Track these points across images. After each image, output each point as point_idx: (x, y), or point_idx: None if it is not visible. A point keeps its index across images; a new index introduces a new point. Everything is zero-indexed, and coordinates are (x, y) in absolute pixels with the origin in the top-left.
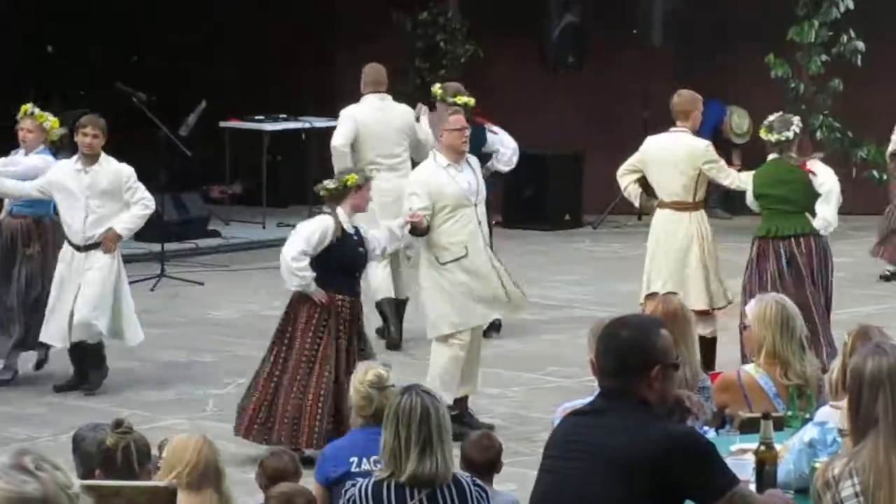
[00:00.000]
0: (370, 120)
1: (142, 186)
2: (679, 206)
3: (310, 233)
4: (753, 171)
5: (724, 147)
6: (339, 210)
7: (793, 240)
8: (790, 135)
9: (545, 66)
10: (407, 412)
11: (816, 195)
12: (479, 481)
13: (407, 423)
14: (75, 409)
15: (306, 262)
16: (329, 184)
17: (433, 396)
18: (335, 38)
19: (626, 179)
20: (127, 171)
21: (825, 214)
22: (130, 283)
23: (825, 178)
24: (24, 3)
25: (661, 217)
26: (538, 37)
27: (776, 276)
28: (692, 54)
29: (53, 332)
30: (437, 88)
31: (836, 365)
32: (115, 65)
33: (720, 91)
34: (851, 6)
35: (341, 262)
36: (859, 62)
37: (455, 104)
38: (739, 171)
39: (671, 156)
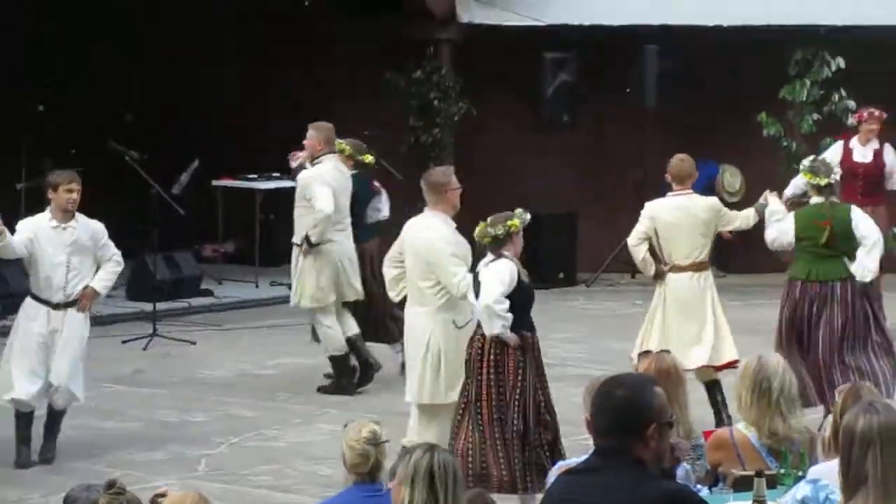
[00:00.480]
0: (336, 183)
1: (111, 243)
2: (698, 268)
3: (502, 275)
4: (792, 213)
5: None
6: (507, 253)
7: (831, 284)
8: (834, 178)
9: (539, 125)
10: (442, 469)
11: (856, 240)
12: None
13: (443, 480)
14: (66, 471)
15: (507, 304)
16: (495, 231)
17: (454, 455)
18: (329, 97)
19: (641, 249)
20: (101, 227)
21: (866, 263)
22: (123, 342)
23: (868, 231)
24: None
25: (679, 280)
26: (532, 95)
27: (806, 319)
28: (685, 114)
29: (34, 392)
30: (341, 144)
31: (827, 422)
32: (107, 122)
33: (712, 149)
34: (842, 65)
35: (523, 301)
36: (849, 121)
37: (362, 162)
38: (731, 234)
39: (691, 218)
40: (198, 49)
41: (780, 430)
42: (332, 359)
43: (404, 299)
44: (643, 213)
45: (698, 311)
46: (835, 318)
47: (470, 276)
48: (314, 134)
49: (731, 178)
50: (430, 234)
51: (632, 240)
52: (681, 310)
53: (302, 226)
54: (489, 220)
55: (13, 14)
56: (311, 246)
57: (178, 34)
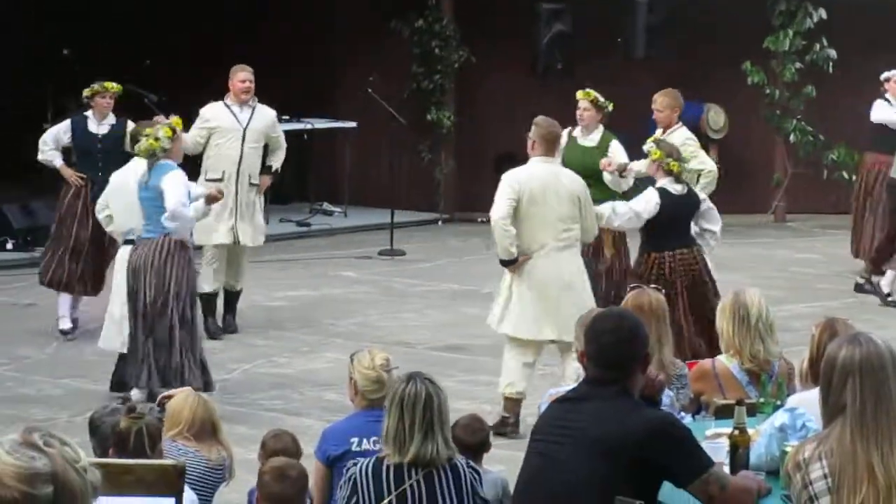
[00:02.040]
0: None
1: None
2: None
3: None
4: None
5: (702, 143)
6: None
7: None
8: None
9: (535, 72)
10: (412, 398)
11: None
12: (472, 463)
13: (412, 408)
14: (91, 393)
15: None
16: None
17: (435, 384)
18: (336, 45)
19: None
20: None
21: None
22: None
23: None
24: (24, 4)
25: None
26: (528, 44)
27: None
28: (673, 63)
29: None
30: None
31: (805, 355)
32: (126, 67)
33: (699, 97)
34: (825, 16)
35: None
36: (831, 69)
37: None
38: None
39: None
40: (203, 52)
41: (760, 353)
42: None
43: None
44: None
45: None
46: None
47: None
48: None
49: (716, 115)
50: (574, 178)
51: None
52: None
53: None
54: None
55: (13, 15)
56: None
57: (181, 36)
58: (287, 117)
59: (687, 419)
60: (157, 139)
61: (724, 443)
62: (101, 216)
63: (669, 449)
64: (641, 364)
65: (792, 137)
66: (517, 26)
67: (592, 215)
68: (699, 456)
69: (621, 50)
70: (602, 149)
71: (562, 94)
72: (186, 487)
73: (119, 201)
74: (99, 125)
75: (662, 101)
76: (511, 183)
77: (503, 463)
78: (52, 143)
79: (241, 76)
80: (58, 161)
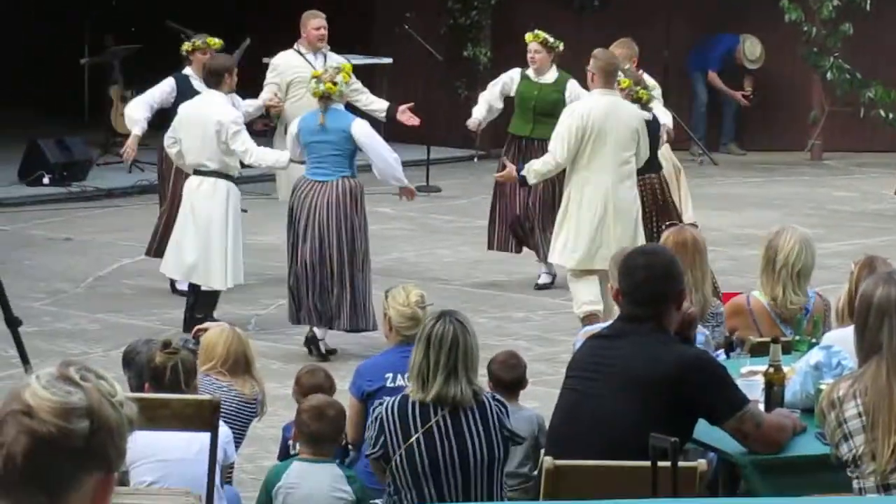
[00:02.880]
0: None
1: None
2: None
3: None
4: None
5: (738, 74)
6: None
7: None
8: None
9: (572, 7)
10: (438, 337)
11: None
12: (498, 396)
13: (438, 347)
14: (126, 327)
15: None
16: None
17: (464, 325)
18: None
19: None
20: None
21: None
22: None
23: None
24: None
25: None
26: None
27: None
28: (712, 0)
29: None
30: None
31: (842, 293)
32: (165, 2)
33: (737, 32)
34: None
35: None
36: (868, 6)
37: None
38: (748, 96)
39: None
40: None
41: (778, 297)
42: None
43: None
44: None
45: None
46: None
47: None
48: None
49: (752, 45)
50: (632, 108)
51: None
52: None
53: None
54: None
55: None
56: None
57: None
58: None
59: (721, 357)
60: (335, 83)
61: (759, 380)
62: (172, 151)
63: (704, 385)
64: (676, 301)
65: (829, 75)
66: None
67: (646, 145)
68: (734, 393)
69: None
70: (559, 85)
71: (599, 28)
72: (221, 422)
73: (189, 134)
74: (200, 82)
75: (620, 54)
76: (575, 120)
77: (539, 400)
78: (156, 106)
79: (315, 23)
80: (140, 128)
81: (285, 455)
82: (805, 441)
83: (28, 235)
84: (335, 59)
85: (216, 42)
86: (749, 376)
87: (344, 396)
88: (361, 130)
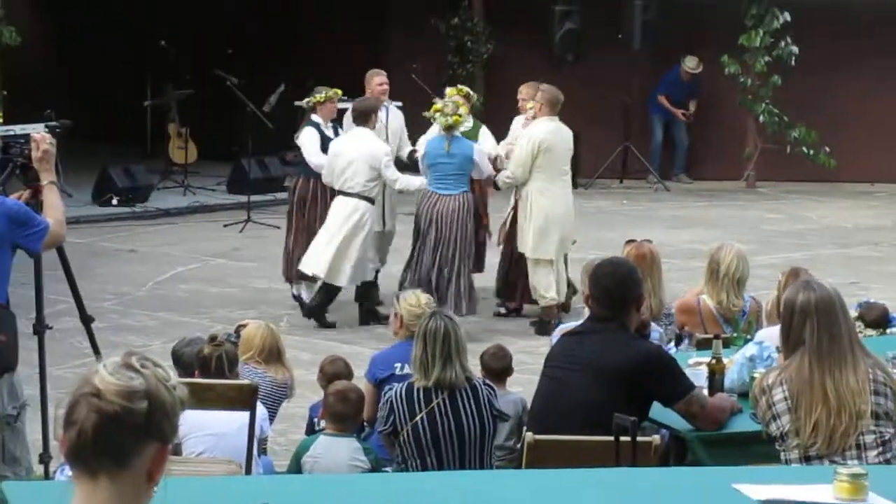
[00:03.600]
0: None
1: None
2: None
3: None
4: None
5: (684, 94)
6: None
7: None
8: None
9: (549, 62)
10: (433, 332)
11: None
12: (489, 382)
13: (433, 340)
14: (180, 324)
15: None
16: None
17: (453, 321)
18: (387, 38)
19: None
20: None
21: None
22: (224, 226)
23: None
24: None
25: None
26: (544, 39)
27: None
28: (663, 54)
29: None
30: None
31: (771, 298)
32: (214, 54)
33: None
34: (789, 19)
35: None
36: (794, 62)
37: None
38: (687, 115)
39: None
40: (279, 45)
41: (723, 302)
42: None
43: None
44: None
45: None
46: None
47: None
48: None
49: (690, 59)
50: (568, 132)
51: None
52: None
53: None
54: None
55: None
56: None
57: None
58: (346, 98)
59: (672, 350)
60: (459, 115)
61: (704, 370)
62: (327, 180)
63: (659, 374)
64: (636, 304)
65: (761, 118)
66: (535, 24)
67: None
68: (683, 380)
69: (621, 44)
70: (474, 132)
71: (572, 80)
72: (259, 403)
73: (340, 164)
74: (327, 127)
75: (527, 93)
76: (532, 140)
77: (522, 385)
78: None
79: (378, 80)
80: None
81: (311, 430)
82: (741, 420)
83: (99, 247)
84: (397, 112)
85: (338, 92)
86: (695, 366)
87: (360, 382)
88: (480, 157)
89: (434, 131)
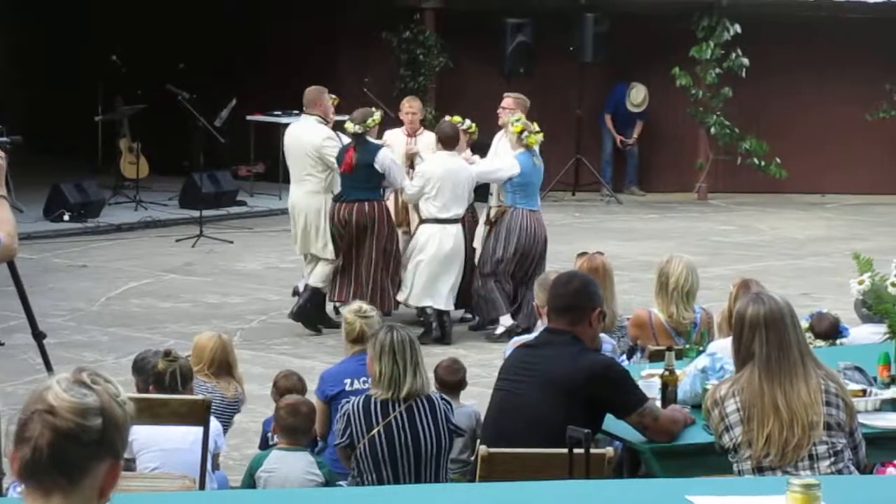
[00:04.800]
0: None
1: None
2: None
3: None
4: None
5: (631, 119)
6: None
7: None
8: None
9: (502, 75)
10: (400, 344)
11: None
12: (444, 396)
13: (402, 352)
14: (133, 339)
15: None
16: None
17: (408, 330)
18: (337, 52)
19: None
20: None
21: None
22: (176, 240)
23: None
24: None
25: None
26: (496, 52)
27: None
28: (615, 67)
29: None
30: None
31: (722, 309)
32: (165, 69)
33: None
34: (739, 31)
35: None
36: (744, 74)
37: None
38: (632, 144)
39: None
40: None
41: (674, 315)
42: None
43: None
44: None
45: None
46: None
47: None
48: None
49: (636, 93)
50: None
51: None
52: None
53: None
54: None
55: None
56: None
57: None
58: (297, 112)
59: (625, 362)
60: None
61: (657, 382)
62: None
63: (611, 387)
64: (590, 316)
65: (712, 130)
66: (487, 37)
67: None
68: (636, 393)
69: (573, 56)
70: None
71: (523, 93)
72: (212, 418)
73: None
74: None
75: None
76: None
77: (475, 398)
78: None
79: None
80: None
81: (265, 445)
82: (694, 432)
83: (51, 263)
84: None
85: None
86: (648, 378)
87: (313, 397)
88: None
89: (513, 149)
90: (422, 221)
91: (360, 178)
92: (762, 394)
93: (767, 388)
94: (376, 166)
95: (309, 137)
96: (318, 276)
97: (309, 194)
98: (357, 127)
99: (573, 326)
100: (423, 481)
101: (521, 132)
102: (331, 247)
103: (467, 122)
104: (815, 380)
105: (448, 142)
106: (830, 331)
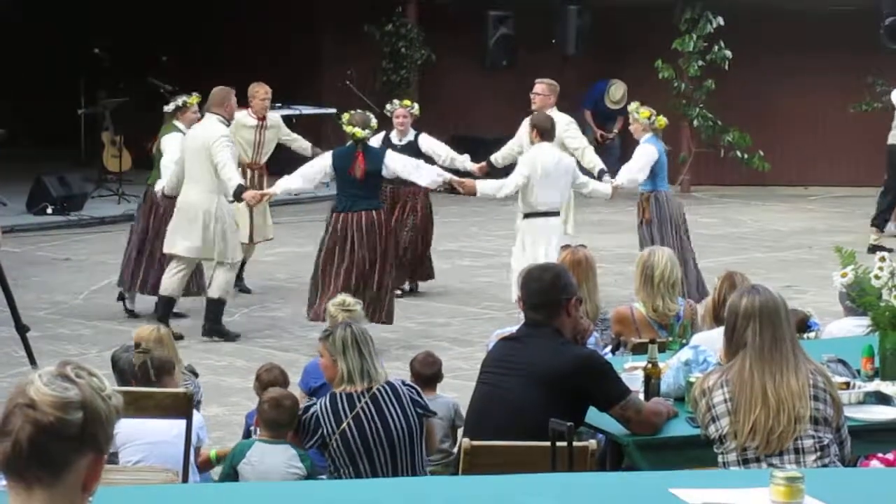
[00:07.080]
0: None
1: None
2: None
3: None
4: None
5: (612, 114)
6: None
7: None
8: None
9: (484, 68)
10: (361, 336)
11: None
12: (408, 382)
13: (366, 344)
14: (115, 333)
15: None
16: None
17: (357, 323)
18: (320, 45)
19: None
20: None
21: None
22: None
23: None
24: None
25: None
26: (478, 45)
27: None
28: (597, 60)
29: None
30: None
31: (707, 301)
32: (148, 62)
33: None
34: (722, 23)
35: None
36: (727, 67)
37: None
38: (613, 139)
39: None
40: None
41: (659, 307)
42: None
43: None
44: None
45: None
46: None
47: None
48: None
49: (616, 90)
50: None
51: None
52: None
53: None
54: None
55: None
56: None
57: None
58: (279, 104)
59: (608, 355)
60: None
61: (640, 374)
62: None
63: (594, 379)
64: (566, 307)
65: (695, 122)
66: (469, 30)
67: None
68: (618, 385)
69: (555, 49)
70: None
71: (506, 86)
72: (195, 411)
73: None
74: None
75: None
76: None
77: (458, 391)
78: None
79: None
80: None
81: (248, 438)
82: (677, 424)
83: (34, 256)
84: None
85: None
86: (631, 371)
87: (296, 390)
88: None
89: (638, 135)
90: (525, 216)
91: (369, 186)
92: (752, 381)
93: (757, 376)
94: (384, 172)
95: (208, 136)
96: (219, 286)
97: (204, 192)
98: (366, 132)
99: (551, 320)
100: (401, 469)
101: (649, 116)
102: (231, 246)
103: (416, 105)
104: (804, 373)
105: (546, 134)
106: (800, 326)
